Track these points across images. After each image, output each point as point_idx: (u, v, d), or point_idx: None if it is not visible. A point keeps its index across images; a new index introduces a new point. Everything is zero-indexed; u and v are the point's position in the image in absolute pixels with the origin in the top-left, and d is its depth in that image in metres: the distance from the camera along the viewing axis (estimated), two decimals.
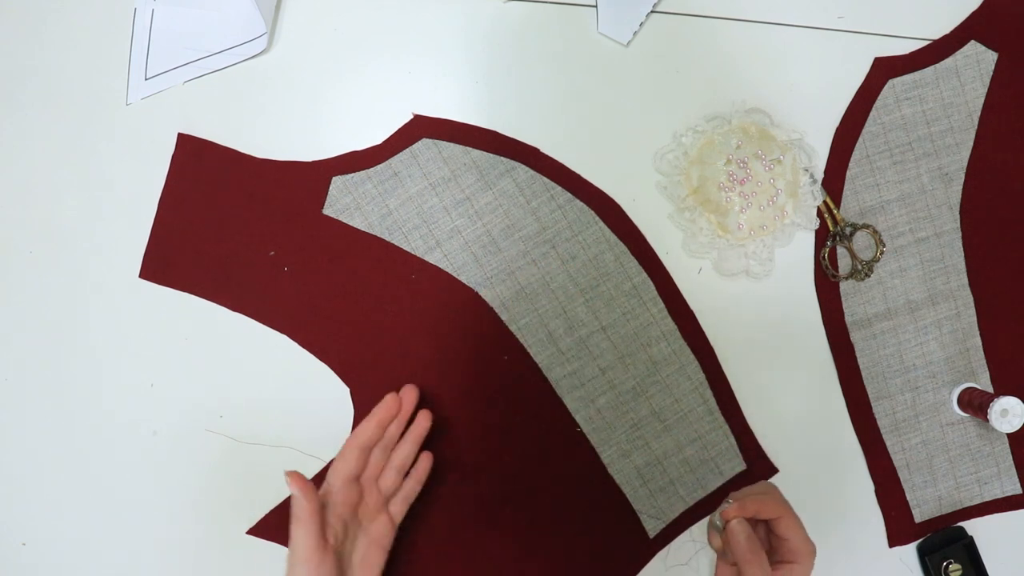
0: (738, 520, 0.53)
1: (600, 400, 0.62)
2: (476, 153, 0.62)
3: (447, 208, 0.62)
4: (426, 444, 0.61)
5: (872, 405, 0.63)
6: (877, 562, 0.64)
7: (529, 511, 0.62)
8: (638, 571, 0.63)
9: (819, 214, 0.62)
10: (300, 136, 0.62)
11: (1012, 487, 0.64)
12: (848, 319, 0.63)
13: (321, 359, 0.62)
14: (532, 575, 0.62)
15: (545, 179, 0.62)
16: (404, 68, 0.63)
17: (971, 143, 0.63)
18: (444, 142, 0.62)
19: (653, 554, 0.63)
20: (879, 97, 0.62)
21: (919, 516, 0.64)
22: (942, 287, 0.63)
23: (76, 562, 0.62)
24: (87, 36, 0.63)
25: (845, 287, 0.63)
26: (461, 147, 0.62)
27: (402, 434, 0.59)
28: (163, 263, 0.62)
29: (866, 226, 0.62)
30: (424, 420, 0.60)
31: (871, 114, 0.62)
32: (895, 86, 0.62)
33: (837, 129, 0.62)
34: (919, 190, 0.63)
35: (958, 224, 0.63)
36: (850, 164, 0.62)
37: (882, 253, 0.62)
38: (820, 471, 0.63)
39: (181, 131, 0.62)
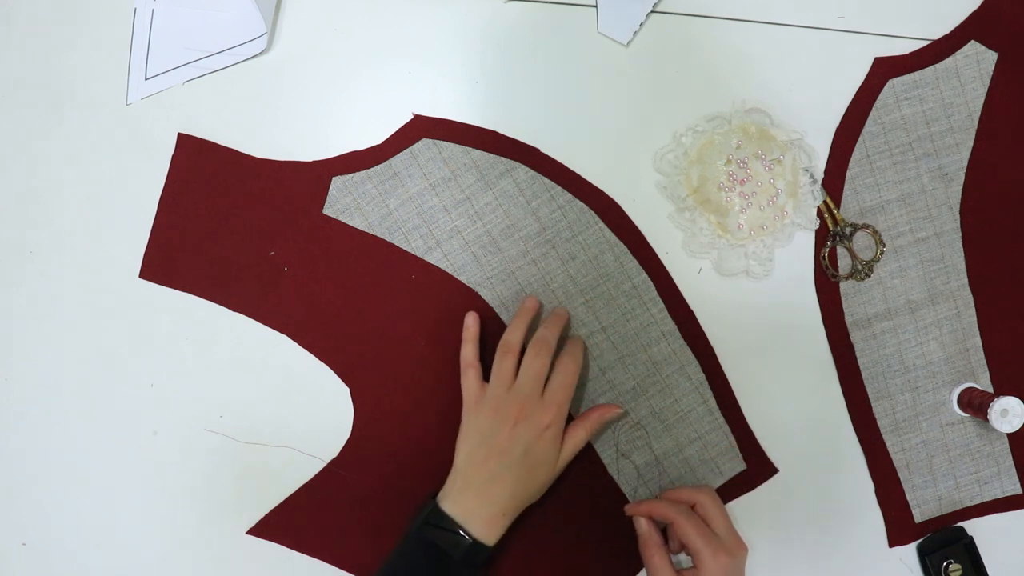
0: (637, 518, 0.58)
1: (600, 400, 0.62)
2: (476, 153, 0.62)
3: (447, 208, 0.62)
4: (426, 442, 0.61)
5: (872, 405, 0.63)
6: (877, 562, 0.64)
7: (528, 511, 0.62)
8: (638, 571, 0.63)
9: (819, 214, 0.62)
10: (300, 136, 0.62)
11: (1012, 487, 0.64)
12: (848, 319, 0.63)
13: (321, 359, 0.62)
14: (531, 575, 0.62)
15: (545, 179, 0.62)
16: (404, 68, 0.63)
17: (971, 143, 0.63)
18: (444, 142, 0.62)
19: None
20: (879, 97, 0.62)
21: (919, 516, 0.64)
22: (942, 287, 0.63)
23: (76, 562, 0.62)
24: (87, 36, 0.63)
25: (845, 287, 0.63)
26: (461, 147, 0.62)
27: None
28: (163, 263, 0.62)
29: (866, 226, 0.62)
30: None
31: (871, 114, 0.62)
32: (895, 86, 0.62)
33: (837, 129, 0.62)
34: (919, 190, 0.63)
35: (958, 224, 0.63)
36: (850, 164, 0.62)
37: (882, 253, 0.62)
38: (820, 471, 0.63)
39: (181, 131, 0.62)
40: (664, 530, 0.59)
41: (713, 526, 0.56)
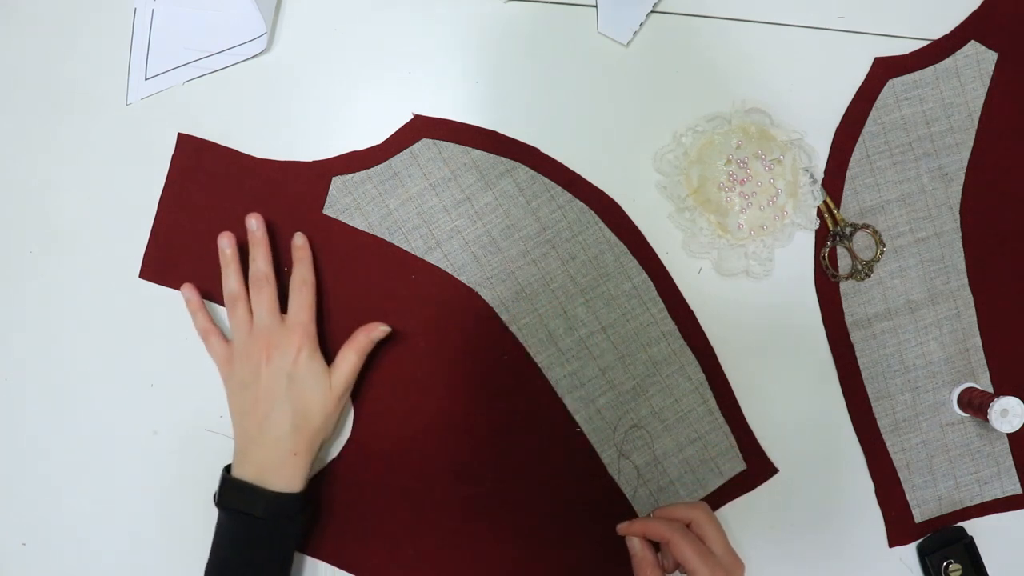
0: (630, 537, 0.57)
1: (600, 400, 0.62)
2: (476, 153, 0.62)
3: (447, 208, 0.62)
4: (426, 442, 0.61)
5: (872, 405, 0.63)
6: (877, 562, 0.64)
7: (529, 512, 0.62)
8: None
9: (819, 214, 0.62)
10: (300, 136, 0.62)
11: (1012, 487, 0.64)
12: (848, 319, 0.63)
13: None
14: None
15: (545, 179, 0.62)
16: (404, 68, 0.63)
17: (971, 143, 0.63)
18: (444, 142, 0.62)
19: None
20: (879, 97, 0.62)
21: (919, 516, 0.64)
22: (942, 287, 0.63)
23: (76, 562, 0.62)
24: (87, 36, 0.63)
25: (845, 287, 0.63)
26: (461, 147, 0.62)
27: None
28: (163, 263, 0.62)
29: (866, 226, 0.62)
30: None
31: (871, 114, 0.62)
32: (895, 86, 0.62)
33: (837, 129, 0.62)
34: (919, 190, 0.63)
35: (958, 224, 0.63)
36: (850, 164, 0.62)
37: (882, 253, 0.62)
38: (820, 471, 0.63)
39: (181, 131, 0.62)
40: (656, 547, 0.58)
41: (710, 545, 0.54)
